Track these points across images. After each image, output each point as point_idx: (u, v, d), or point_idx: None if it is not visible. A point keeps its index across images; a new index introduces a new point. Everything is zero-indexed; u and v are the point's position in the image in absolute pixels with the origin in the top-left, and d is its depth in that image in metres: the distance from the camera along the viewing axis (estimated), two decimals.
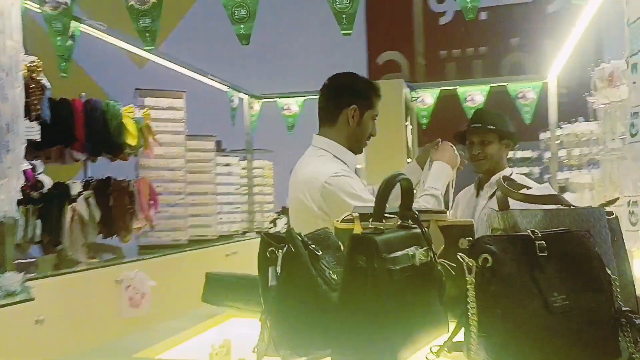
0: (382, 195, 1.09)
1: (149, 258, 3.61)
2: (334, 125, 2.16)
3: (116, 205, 3.54)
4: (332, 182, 2.02)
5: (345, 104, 2.13)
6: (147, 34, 2.56)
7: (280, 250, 1.11)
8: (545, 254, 1.05)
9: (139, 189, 3.67)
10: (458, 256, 1.05)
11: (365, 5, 8.62)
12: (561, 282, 1.04)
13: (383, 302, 1.03)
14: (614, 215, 1.19)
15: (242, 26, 2.46)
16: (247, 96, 4.90)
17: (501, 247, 1.04)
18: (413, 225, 1.16)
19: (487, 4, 8.76)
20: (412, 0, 9.46)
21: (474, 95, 4.54)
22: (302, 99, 4.93)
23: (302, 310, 1.10)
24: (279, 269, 1.10)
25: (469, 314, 1.00)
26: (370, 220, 1.11)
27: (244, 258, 4.49)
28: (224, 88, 4.56)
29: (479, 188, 2.80)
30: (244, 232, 4.96)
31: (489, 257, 1.02)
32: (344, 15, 2.35)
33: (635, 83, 1.92)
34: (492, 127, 2.66)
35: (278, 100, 4.97)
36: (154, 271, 3.30)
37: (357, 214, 1.39)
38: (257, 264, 1.18)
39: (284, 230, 1.19)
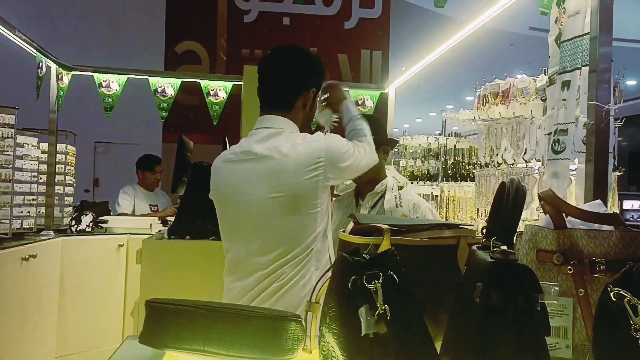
0: (519, 209, 0.81)
1: None
2: (291, 110, 1.82)
3: None
4: (331, 144, 1.78)
5: (306, 86, 1.83)
6: None
7: (376, 281, 0.76)
8: None
9: None
10: (613, 294, 0.82)
11: None
12: None
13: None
14: None
15: None
16: (55, 65, 4.02)
17: None
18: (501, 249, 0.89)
19: (290, 10, 8.88)
20: None
21: None
22: (124, 77, 4.24)
23: None
24: (381, 309, 0.74)
25: None
26: (492, 239, 0.81)
27: (44, 263, 3.66)
28: (32, 51, 3.64)
29: (358, 197, 2.61)
30: (39, 230, 4.05)
31: None
32: None
33: (565, 100, 1.93)
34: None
35: (95, 75, 4.19)
36: None
37: (387, 227, 1.08)
38: (329, 297, 0.80)
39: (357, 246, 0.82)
